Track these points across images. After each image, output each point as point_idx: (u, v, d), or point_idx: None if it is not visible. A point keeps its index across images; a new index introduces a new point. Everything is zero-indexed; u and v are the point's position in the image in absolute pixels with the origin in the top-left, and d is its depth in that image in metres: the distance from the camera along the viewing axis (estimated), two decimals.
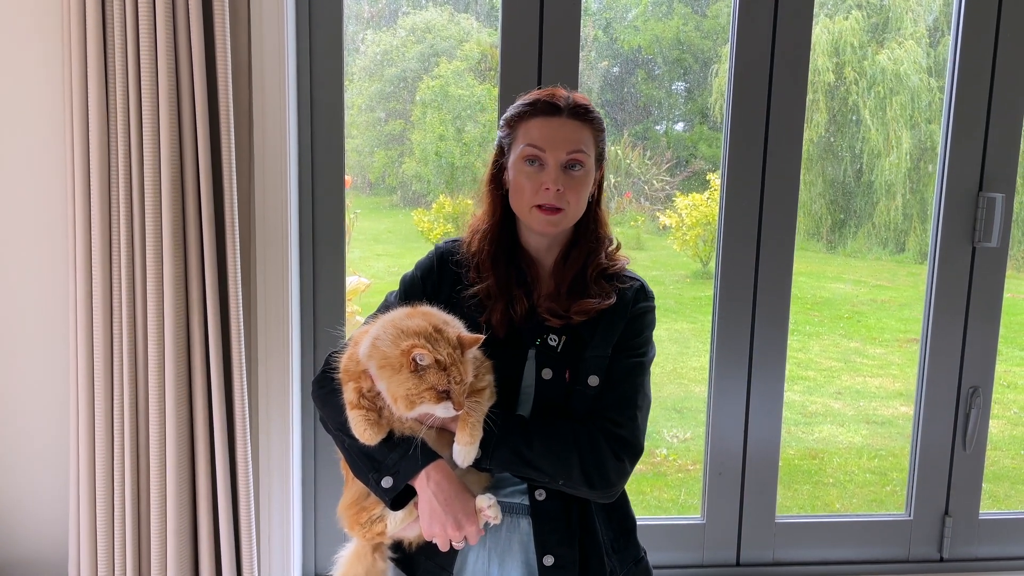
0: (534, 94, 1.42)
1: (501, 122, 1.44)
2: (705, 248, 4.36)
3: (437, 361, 1.21)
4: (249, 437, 1.92)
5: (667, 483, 3.49)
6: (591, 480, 1.34)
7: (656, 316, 1.50)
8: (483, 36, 4.18)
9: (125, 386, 1.85)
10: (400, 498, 1.33)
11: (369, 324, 1.34)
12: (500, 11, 2.02)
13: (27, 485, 2.01)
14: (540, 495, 1.38)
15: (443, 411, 1.23)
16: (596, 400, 1.38)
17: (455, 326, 1.29)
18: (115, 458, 1.88)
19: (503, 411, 1.34)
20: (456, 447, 1.29)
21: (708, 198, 4.24)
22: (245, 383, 1.90)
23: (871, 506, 3.58)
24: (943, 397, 2.28)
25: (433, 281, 1.46)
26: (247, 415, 1.91)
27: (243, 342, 1.89)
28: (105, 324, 1.83)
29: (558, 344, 1.39)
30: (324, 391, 1.40)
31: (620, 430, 1.37)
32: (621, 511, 1.48)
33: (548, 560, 1.37)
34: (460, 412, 1.25)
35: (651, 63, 4.07)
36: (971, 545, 2.33)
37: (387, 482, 1.31)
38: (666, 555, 2.27)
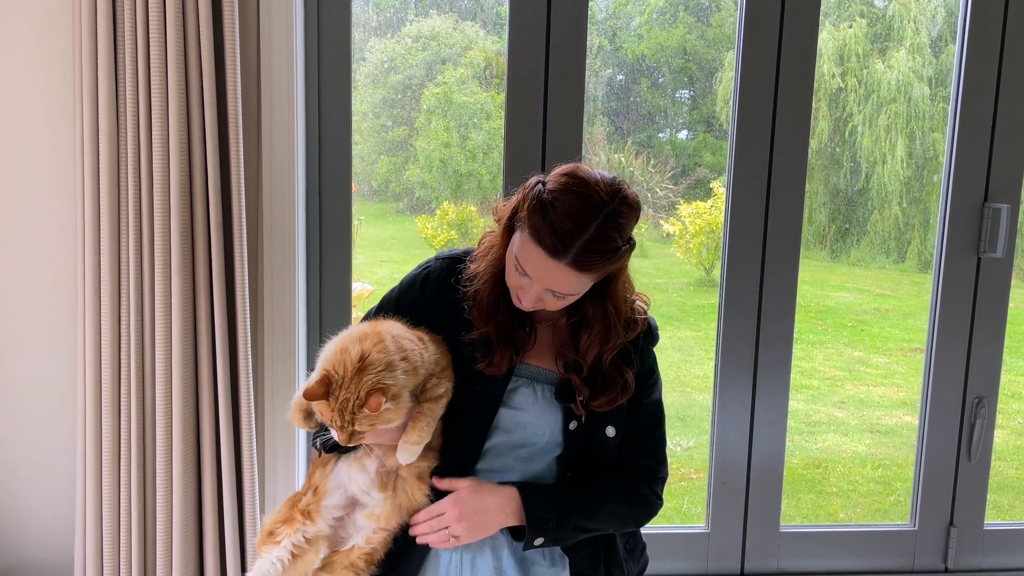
0: (554, 215, 1.22)
1: (526, 190, 1.29)
2: (708, 256, 4.36)
3: (329, 401, 1.23)
4: (255, 442, 1.92)
5: (670, 491, 3.48)
6: (642, 522, 1.44)
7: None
8: (487, 44, 4.20)
9: (132, 390, 1.85)
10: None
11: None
12: (507, 19, 2.03)
13: (34, 487, 2.01)
14: None
15: (334, 434, 1.26)
16: (623, 448, 1.41)
17: (383, 367, 1.23)
18: (121, 462, 1.88)
19: (550, 487, 1.37)
20: (400, 443, 1.30)
21: (712, 206, 4.25)
22: (251, 388, 1.90)
23: (875, 516, 3.58)
24: (948, 407, 2.27)
25: (414, 296, 1.42)
26: (253, 420, 1.91)
27: (249, 347, 1.89)
28: (113, 329, 1.84)
29: (585, 401, 1.39)
30: None
31: (657, 474, 1.44)
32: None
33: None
34: (347, 444, 1.26)
35: (655, 71, 4.08)
36: (976, 556, 2.33)
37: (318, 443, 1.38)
38: (670, 564, 2.27)
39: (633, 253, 1.35)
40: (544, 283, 1.26)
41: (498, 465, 1.38)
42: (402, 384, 1.24)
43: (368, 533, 1.35)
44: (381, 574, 1.39)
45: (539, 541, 1.33)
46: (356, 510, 1.37)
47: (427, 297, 1.41)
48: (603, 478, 1.40)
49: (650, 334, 1.43)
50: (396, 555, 1.38)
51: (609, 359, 1.36)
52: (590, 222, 1.21)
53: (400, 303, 1.43)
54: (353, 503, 1.37)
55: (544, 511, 1.32)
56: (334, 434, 1.25)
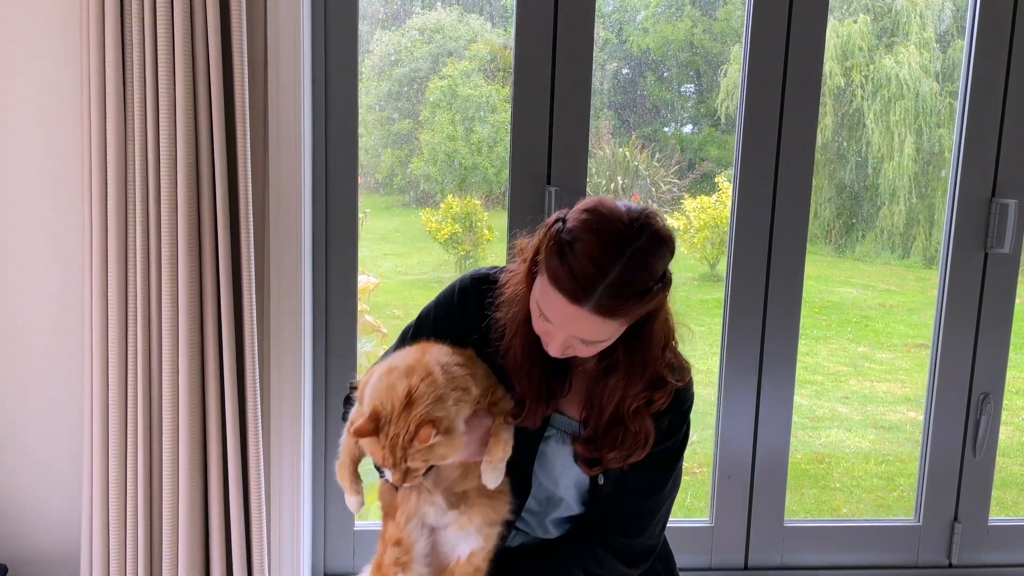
0: (574, 259, 1.11)
1: (542, 230, 1.20)
2: (713, 251, 4.35)
3: (379, 438, 1.17)
4: (261, 436, 1.92)
5: None
6: None
7: (692, 405, 1.36)
8: (492, 36, 4.18)
9: (139, 384, 1.85)
10: None
11: (385, 359, 1.30)
12: (514, 12, 2.02)
13: (42, 479, 2.02)
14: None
15: (388, 475, 1.20)
16: (611, 499, 1.30)
17: (433, 401, 1.17)
18: (128, 456, 1.88)
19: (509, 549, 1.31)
20: (484, 464, 1.23)
21: (716, 200, 4.24)
22: (258, 382, 1.91)
23: (878, 511, 3.58)
24: (953, 403, 2.27)
25: (452, 313, 1.34)
26: (259, 414, 1.91)
27: (256, 340, 1.90)
28: (120, 323, 1.84)
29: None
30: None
31: (633, 541, 1.30)
32: (666, 549, 1.46)
33: None
34: (402, 486, 1.20)
35: (660, 65, 4.06)
36: (980, 552, 2.33)
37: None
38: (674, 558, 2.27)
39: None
40: (568, 331, 1.14)
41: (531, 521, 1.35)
42: (454, 415, 1.18)
43: (468, 543, 1.30)
44: None
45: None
46: (441, 532, 1.31)
47: (466, 315, 1.32)
48: (569, 545, 1.32)
49: (677, 399, 1.29)
50: None
51: (632, 408, 1.23)
52: (613, 263, 1.09)
53: (438, 321, 1.35)
54: (436, 532, 1.32)
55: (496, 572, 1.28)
56: (388, 476, 1.19)
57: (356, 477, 1.27)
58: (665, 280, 1.16)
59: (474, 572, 1.27)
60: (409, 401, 1.15)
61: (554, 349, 1.18)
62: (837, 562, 2.32)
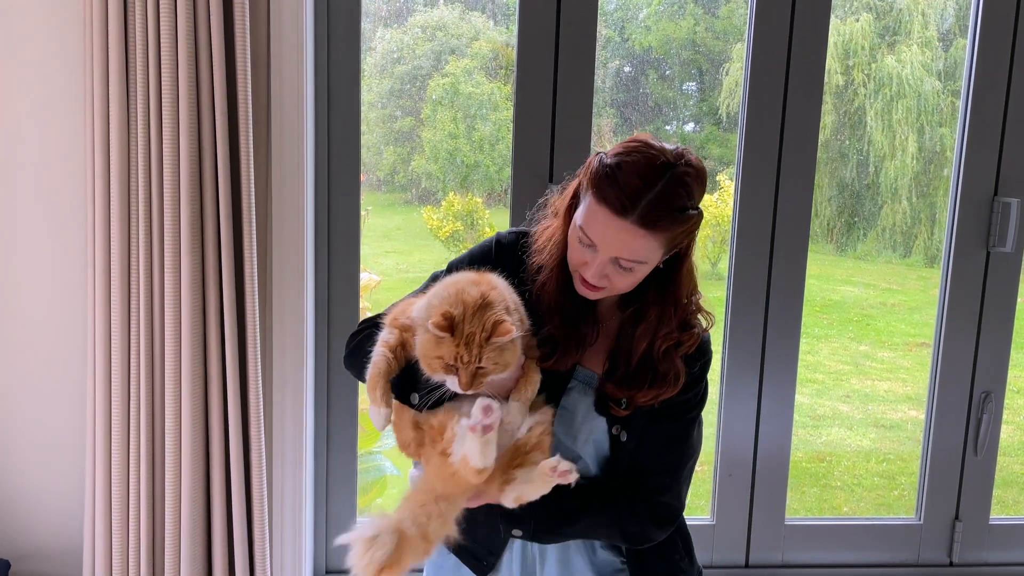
0: (621, 175, 1.19)
1: (587, 165, 1.27)
2: (714, 249, 4.35)
3: (454, 337, 1.18)
4: (263, 432, 1.93)
5: None
6: (633, 540, 1.34)
7: (710, 361, 1.38)
8: (494, 34, 4.18)
9: (142, 379, 1.85)
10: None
11: (417, 294, 1.32)
12: (517, 10, 2.02)
13: (45, 475, 2.02)
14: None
15: (451, 384, 1.20)
16: (635, 456, 1.32)
17: (503, 309, 1.21)
18: (130, 452, 1.88)
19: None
20: (512, 402, 1.25)
21: (718, 199, 4.23)
22: (260, 379, 1.91)
23: (878, 510, 3.58)
24: (955, 402, 2.27)
25: (491, 264, 1.35)
26: (261, 410, 1.92)
27: (258, 337, 1.90)
28: (123, 319, 1.84)
29: (626, 405, 1.33)
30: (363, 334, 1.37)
31: (661, 498, 1.31)
32: (678, 529, 1.46)
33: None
34: (468, 392, 1.19)
35: (662, 63, 4.06)
36: (981, 550, 2.33)
37: (414, 398, 1.27)
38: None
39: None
40: (610, 250, 1.20)
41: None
42: (519, 326, 1.21)
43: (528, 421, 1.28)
44: (467, 547, 1.35)
45: (517, 533, 1.32)
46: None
47: (504, 268, 1.34)
48: (603, 489, 1.33)
49: (698, 350, 1.32)
50: (484, 531, 1.36)
51: (662, 349, 1.28)
52: (656, 180, 1.17)
53: (474, 267, 1.37)
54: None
55: (528, 514, 1.27)
56: (451, 383, 1.19)
57: (387, 390, 1.26)
58: (700, 211, 1.23)
59: (539, 441, 1.26)
60: (484, 303, 1.18)
61: (592, 275, 1.22)
62: (838, 560, 2.32)
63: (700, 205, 1.24)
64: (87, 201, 1.84)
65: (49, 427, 2.00)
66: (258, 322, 1.89)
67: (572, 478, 1.20)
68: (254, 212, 1.86)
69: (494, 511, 1.29)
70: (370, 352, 1.27)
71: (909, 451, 3.83)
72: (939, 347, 2.27)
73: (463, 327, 1.17)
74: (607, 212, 1.18)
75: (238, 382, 1.88)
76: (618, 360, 1.31)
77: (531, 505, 1.24)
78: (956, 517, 2.32)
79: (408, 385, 1.27)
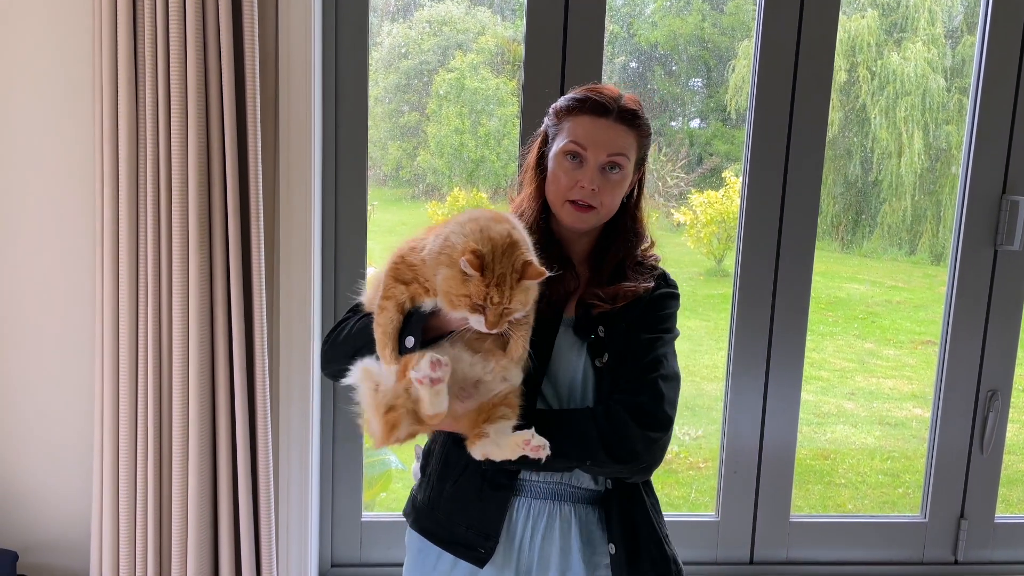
0: (586, 89, 1.42)
1: (550, 111, 1.45)
2: (720, 246, 4.35)
3: (484, 276, 1.18)
4: (270, 426, 1.93)
5: (678, 480, 3.49)
6: (615, 453, 1.32)
7: (679, 305, 1.49)
8: (500, 29, 4.17)
9: (149, 375, 1.86)
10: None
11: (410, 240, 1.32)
12: (524, 5, 2.02)
13: (52, 470, 2.03)
14: (608, 484, 1.40)
15: (476, 323, 1.21)
16: (614, 373, 1.37)
17: (527, 248, 1.24)
18: (138, 445, 1.89)
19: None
20: (506, 362, 1.28)
21: (723, 195, 4.23)
22: (267, 373, 1.91)
23: (883, 508, 3.58)
24: (961, 400, 2.27)
25: None
26: (268, 404, 1.92)
27: (265, 332, 1.90)
28: (131, 314, 1.84)
29: (605, 333, 1.39)
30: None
31: (638, 398, 1.34)
32: (657, 500, 1.49)
33: (612, 549, 1.40)
34: (493, 331, 1.21)
35: (669, 59, 4.05)
36: (986, 548, 2.33)
37: (409, 341, 1.27)
38: (680, 552, 2.25)
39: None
40: (600, 147, 1.36)
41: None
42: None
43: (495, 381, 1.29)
44: (460, 539, 1.39)
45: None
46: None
47: None
48: (582, 406, 1.38)
49: (663, 277, 1.47)
50: (477, 511, 1.38)
51: (632, 264, 1.44)
52: (620, 94, 1.41)
53: None
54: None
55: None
56: (474, 322, 1.20)
57: (395, 348, 1.26)
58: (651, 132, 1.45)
59: (506, 397, 1.28)
60: (511, 242, 1.20)
61: (587, 182, 1.36)
62: (843, 558, 2.32)
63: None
64: (95, 198, 1.84)
65: (58, 421, 2.01)
66: (265, 317, 1.90)
67: (543, 454, 1.22)
68: (262, 207, 1.86)
69: (482, 484, 1.36)
70: (369, 327, 1.29)
71: (914, 449, 3.83)
72: (946, 345, 2.26)
73: (493, 267, 1.18)
74: (591, 117, 1.38)
75: (245, 377, 1.88)
76: (595, 276, 1.44)
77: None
78: (961, 515, 2.32)
79: (401, 331, 1.29)
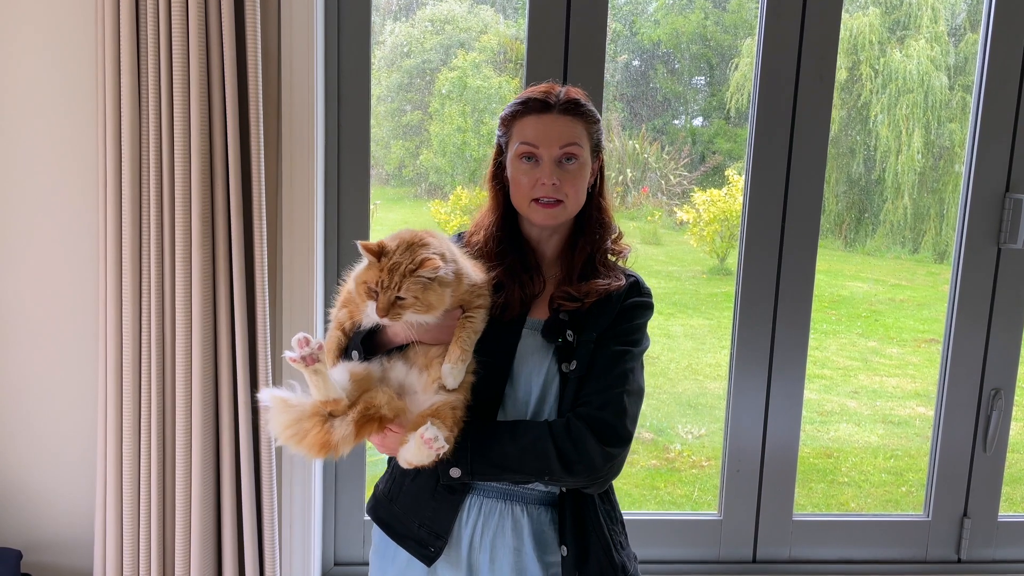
0: (527, 92, 1.44)
1: (498, 121, 1.47)
2: (722, 244, 4.34)
3: (379, 262, 1.24)
4: None
5: (680, 479, 3.49)
6: (572, 468, 1.31)
7: (652, 314, 1.48)
8: (502, 28, 4.17)
9: (152, 373, 1.86)
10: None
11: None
12: (527, 4, 2.02)
13: (56, 469, 2.04)
14: (563, 487, 1.39)
15: (371, 309, 1.26)
16: (579, 384, 1.37)
17: (438, 253, 1.27)
18: (141, 445, 1.89)
19: (473, 420, 1.33)
20: (444, 366, 1.31)
21: (726, 194, 4.22)
22: (270, 372, 1.92)
23: (886, 506, 3.58)
24: (964, 398, 2.27)
25: None
26: None
27: (268, 331, 1.90)
28: (134, 313, 1.85)
29: (574, 339, 1.38)
30: None
31: (602, 413, 1.33)
32: (615, 508, 1.48)
33: (563, 551, 1.38)
34: (383, 318, 1.26)
35: (671, 57, 4.05)
36: (989, 547, 2.33)
37: (354, 355, 1.37)
38: (683, 551, 2.27)
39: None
40: (552, 142, 1.38)
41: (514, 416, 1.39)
42: (451, 274, 1.28)
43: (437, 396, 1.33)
44: (412, 534, 1.41)
45: (455, 472, 1.33)
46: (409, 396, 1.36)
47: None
48: (541, 422, 1.37)
49: (636, 284, 1.47)
50: (430, 509, 1.40)
51: (601, 260, 1.45)
52: (558, 89, 1.43)
53: None
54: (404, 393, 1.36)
55: (463, 444, 1.31)
56: (370, 308, 1.26)
57: (337, 358, 1.37)
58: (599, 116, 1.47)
59: (452, 411, 1.30)
60: (420, 243, 1.27)
61: (547, 179, 1.38)
62: (845, 556, 2.32)
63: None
64: (98, 196, 1.85)
65: (61, 419, 2.01)
66: (268, 315, 1.90)
67: (437, 446, 1.23)
68: (264, 206, 1.86)
69: (437, 484, 1.37)
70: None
71: (917, 447, 3.82)
72: (949, 343, 2.26)
73: (392, 255, 1.24)
74: (536, 116, 1.40)
75: (248, 376, 1.89)
76: (565, 273, 1.45)
77: (464, 435, 1.30)
78: (964, 514, 2.32)
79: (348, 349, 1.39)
